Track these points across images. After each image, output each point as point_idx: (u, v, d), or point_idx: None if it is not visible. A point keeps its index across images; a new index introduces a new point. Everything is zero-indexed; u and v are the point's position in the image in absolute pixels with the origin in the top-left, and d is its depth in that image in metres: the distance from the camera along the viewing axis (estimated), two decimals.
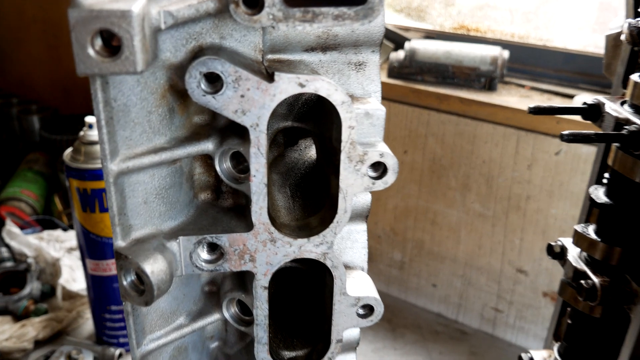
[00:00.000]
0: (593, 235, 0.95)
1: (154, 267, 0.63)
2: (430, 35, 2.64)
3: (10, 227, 2.09)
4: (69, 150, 1.52)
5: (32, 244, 2.05)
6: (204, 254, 0.71)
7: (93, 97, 0.56)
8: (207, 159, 0.74)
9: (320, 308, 0.84)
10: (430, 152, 2.37)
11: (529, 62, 2.41)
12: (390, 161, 0.70)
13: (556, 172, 2.08)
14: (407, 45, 2.40)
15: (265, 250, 0.71)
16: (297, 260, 0.85)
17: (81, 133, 1.51)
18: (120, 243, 0.64)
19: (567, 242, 1.04)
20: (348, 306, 0.80)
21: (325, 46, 0.73)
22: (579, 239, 0.97)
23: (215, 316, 0.81)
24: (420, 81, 2.33)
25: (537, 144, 2.07)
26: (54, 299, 1.84)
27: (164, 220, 0.69)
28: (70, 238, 2.17)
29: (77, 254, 2.06)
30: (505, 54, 2.29)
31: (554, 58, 2.36)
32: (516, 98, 2.23)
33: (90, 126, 1.52)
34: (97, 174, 1.48)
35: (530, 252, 2.28)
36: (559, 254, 1.05)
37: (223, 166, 0.69)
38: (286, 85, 0.62)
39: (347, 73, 0.76)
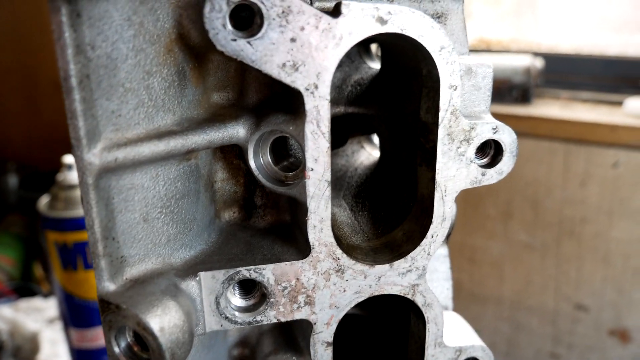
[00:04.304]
0: None
1: (163, 321, 0.40)
2: None
3: None
4: (45, 198, 1.32)
5: (6, 317, 1.86)
6: (235, 298, 0.49)
7: (56, 39, 0.36)
8: (232, 158, 0.53)
9: None
10: None
11: (563, 71, 2.25)
12: (508, 138, 0.49)
13: (615, 187, 1.88)
14: None
15: (329, 286, 0.49)
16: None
17: (60, 176, 1.32)
18: (107, 286, 0.42)
19: None
20: None
21: None
22: None
23: None
24: None
25: (590, 157, 1.88)
26: None
27: (175, 248, 0.47)
28: (51, 306, 1.96)
29: (60, 324, 1.85)
30: (539, 62, 2.13)
31: (591, 65, 2.20)
32: (557, 108, 2.05)
33: (70, 167, 1.32)
34: (80, 223, 1.27)
35: (590, 284, 2.04)
36: None
37: (260, 161, 0.48)
38: (359, 22, 0.42)
39: None
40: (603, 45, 2.22)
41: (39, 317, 1.94)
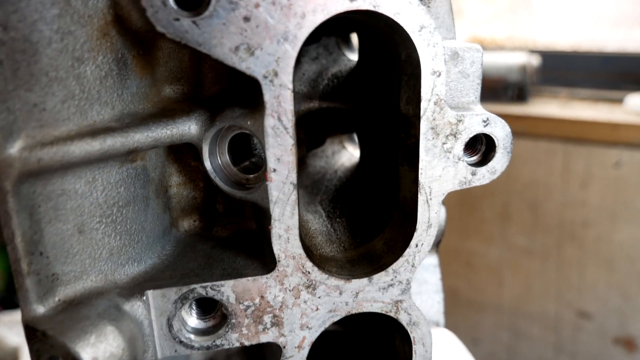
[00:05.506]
0: None
1: (98, 350, 0.35)
2: None
3: None
4: None
5: None
6: (191, 319, 0.43)
7: None
8: (188, 160, 0.47)
9: None
10: None
11: (560, 68, 2.20)
12: (500, 132, 0.44)
13: (617, 188, 1.82)
14: None
15: (299, 304, 0.43)
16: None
17: None
18: (34, 309, 0.36)
19: None
20: None
21: None
22: None
23: None
24: None
25: (590, 156, 1.83)
26: None
27: (119, 263, 0.41)
28: None
29: None
30: (535, 60, 2.09)
31: (589, 62, 2.16)
32: (555, 107, 2.00)
33: None
34: None
35: (593, 290, 1.99)
36: None
37: (217, 162, 0.42)
38: None
39: None
40: (601, 41, 2.18)
41: (21, 331, 1.89)
